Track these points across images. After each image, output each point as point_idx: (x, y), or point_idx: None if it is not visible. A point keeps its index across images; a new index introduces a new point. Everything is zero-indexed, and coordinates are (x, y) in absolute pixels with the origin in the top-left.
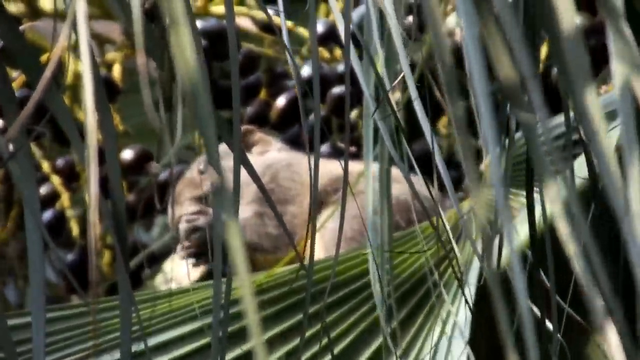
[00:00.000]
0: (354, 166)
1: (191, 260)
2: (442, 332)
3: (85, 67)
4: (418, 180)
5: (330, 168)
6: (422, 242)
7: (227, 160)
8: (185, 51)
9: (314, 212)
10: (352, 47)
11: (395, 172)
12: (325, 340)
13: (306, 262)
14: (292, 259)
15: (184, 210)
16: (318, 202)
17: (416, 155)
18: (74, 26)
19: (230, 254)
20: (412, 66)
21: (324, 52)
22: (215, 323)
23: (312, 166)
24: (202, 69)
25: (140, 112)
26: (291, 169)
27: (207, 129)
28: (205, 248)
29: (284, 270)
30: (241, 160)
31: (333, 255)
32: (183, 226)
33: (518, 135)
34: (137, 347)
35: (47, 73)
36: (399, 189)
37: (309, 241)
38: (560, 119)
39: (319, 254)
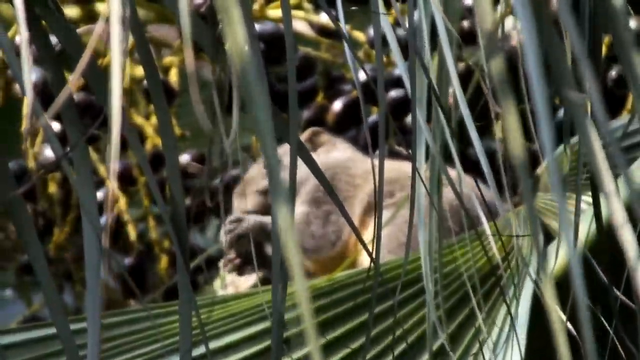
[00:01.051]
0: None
1: (235, 273)
2: (500, 332)
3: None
4: (471, 184)
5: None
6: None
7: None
8: (240, 48)
9: (379, 218)
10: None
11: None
12: (388, 340)
13: (361, 265)
14: (349, 265)
15: (250, 203)
16: (369, 206)
17: (472, 159)
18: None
19: (286, 258)
20: (468, 71)
21: None
22: (275, 326)
23: (375, 168)
24: (261, 71)
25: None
26: (348, 171)
27: (264, 130)
28: (250, 256)
29: (344, 274)
30: (304, 158)
31: (390, 260)
32: (225, 238)
33: (574, 140)
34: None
35: (86, 54)
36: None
37: (359, 242)
38: (617, 123)
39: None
